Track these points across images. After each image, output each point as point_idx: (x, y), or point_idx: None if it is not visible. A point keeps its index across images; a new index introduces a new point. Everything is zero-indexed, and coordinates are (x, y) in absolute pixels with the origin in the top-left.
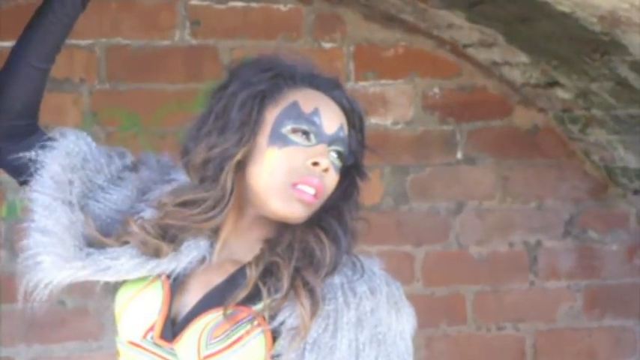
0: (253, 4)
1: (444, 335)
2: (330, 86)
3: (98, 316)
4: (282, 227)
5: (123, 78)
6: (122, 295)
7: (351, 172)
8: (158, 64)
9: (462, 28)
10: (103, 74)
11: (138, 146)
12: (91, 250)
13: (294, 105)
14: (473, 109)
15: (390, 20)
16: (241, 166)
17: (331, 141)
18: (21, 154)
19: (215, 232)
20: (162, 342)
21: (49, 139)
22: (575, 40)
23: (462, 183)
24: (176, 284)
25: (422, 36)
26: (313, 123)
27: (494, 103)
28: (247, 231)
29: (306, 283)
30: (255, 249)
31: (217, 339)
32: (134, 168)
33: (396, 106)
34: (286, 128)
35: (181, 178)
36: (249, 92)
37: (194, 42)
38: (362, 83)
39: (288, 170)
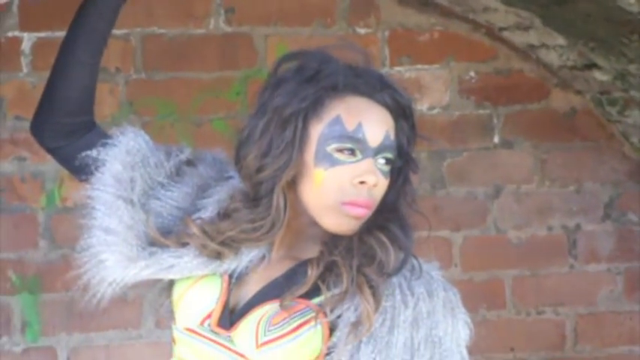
0: None
1: (483, 320)
2: (375, 88)
3: (137, 305)
4: None
5: (158, 67)
6: (181, 283)
7: (403, 168)
8: (193, 53)
9: (498, 11)
10: (139, 63)
11: (174, 135)
12: (154, 248)
13: (337, 120)
14: (509, 92)
15: (424, 4)
16: (292, 182)
17: (377, 152)
18: (83, 153)
19: None
20: (219, 329)
21: (109, 136)
22: (612, 22)
23: (499, 167)
24: (235, 278)
25: (457, 20)
26: (358, 140)
27: (531, 87)
28: (305, 231)
29: (369, 281)
30: (314, 247)
31: (276, 326)
32: (192, 163)
33: (432, 91)
34: (331, 147)
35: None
36: (293, 110)
37: (229, 30)
38: (397, 68)
39: (336, 190)
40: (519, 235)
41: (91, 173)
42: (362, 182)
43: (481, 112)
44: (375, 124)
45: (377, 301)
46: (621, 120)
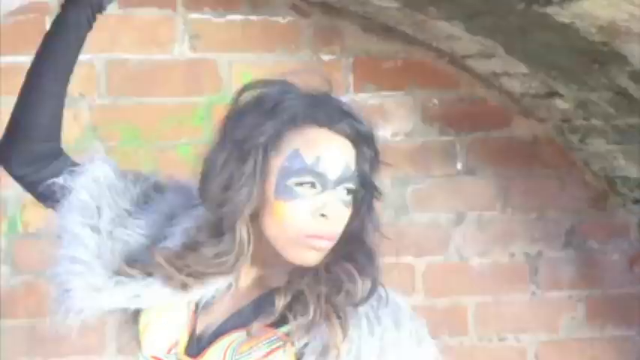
0: (252, 17)
1: (445, 347)
2: (334, 118)
3: (100, 331)
4: None
5: (123, 92)
6: (147, 312)
7: (366, 195)
8: (158, 78)
9: (461, 40)
10: (103, 89)
11: (139, 160)
12: (120, 277)
13: (296, 154)
14: (472, 119)
15: (388, 32)
16: (255, 215)
17: (337, 183)
18: (49, 180)
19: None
20: (186, 358)
21: (76, 164)
22: (574, 51)
23: (462, 194)
24: (202, 306)
25: (421, 47)
26: (317, 174)
27: (493, 114)
28: (271, 261)
29: (336, 310)
30: (281, 275)
31: (243, 354)
32: (160, 190)
33: (396, 118)
34: (291, 181)
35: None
36: (252, 144)
37: (193, 56)
38: (361, 95)
39: (298, 224)
40: (481, 261)
41: (57, 200)
42: (323, 215)
43: (444, 139)
44: (335, 156)
45: (344, 330)
46: (583, 148)
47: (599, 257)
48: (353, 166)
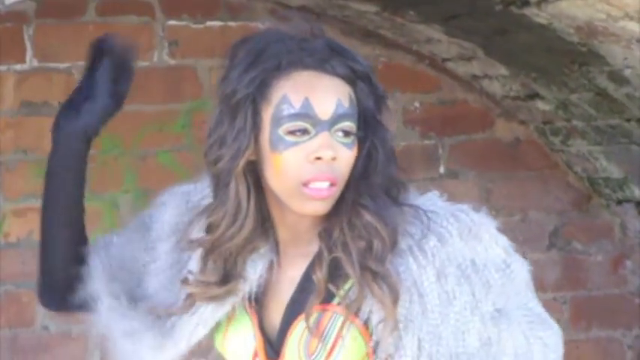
0: (231, 23)
1: None
2: (321, 59)
3: (83, 341)
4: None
5: None
6: (217, 335)
7: (368, 133)
8: (137, 85)
9: (441, 42)
10: None
11: (119, 168)
12: (172, 321)
13: (285, 100)
14: (454, 123)
15: (368, 36)
16: (257, 171)
17: (331, 123)
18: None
19: (266, 238)
20: None
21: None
22: (553, 52)
23: (444, 197)
24: (257, 300)
25: (401, 51)
26: (306, 116)
27: (475, 117)
28: (297, 224)
29: (375, 274)
30: (314, 238)
31: (315, 354)
32: (159, 208)
33: None
34: (282, 129)
35: (198, 194)
36: (240, 96)
37: (172, 62)
38: None
39: (295, 172)
40: None
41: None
42: (318, 158)
43: (426, 142)
44: (323, 96)
45: (393, 290)
46: (564, 149)
47: (583, 259)
48: (347, 105)
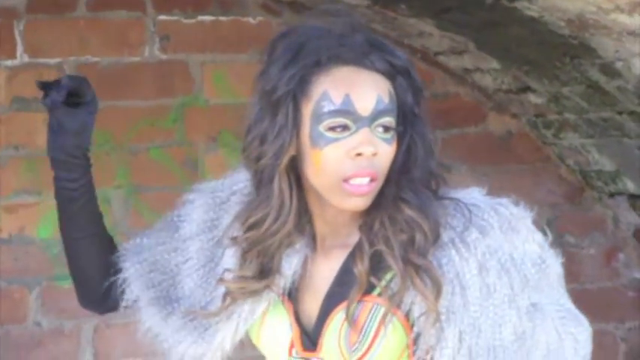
0: (222, 18)
1: None
2: (361, 54)
3: (75, 338)
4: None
5: None
6: (252, 328)
7: (407, 128)
8: (128, 81)
9: (433, 36)
10: None
11: (111, 164)
12: (213, 321)
13: (325, 96)
14: (446, 116)
15: None
16: (298, 168)
17: (372, 119)
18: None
19: (302, 232)
20: (307, 353)
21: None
22: (544, 45)
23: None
24: (291, 293)
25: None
26: (347, 112)
27: (467, 110)
28: (337, 217)
29: (418, 267)
30: (353, 230)
31: (355, 345)
32: (187, 206)
33: None
34: (323, 125)
35: (226, 190)
36: (281, 93)
37: (164, 57)
38: None
39: (335, 168)
40: None
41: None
42: (359, 154)
43: None
44: (364, 92)
45: (435, 283)
46: (557, 142)
47: (575, 252)
48: (387, 100)
